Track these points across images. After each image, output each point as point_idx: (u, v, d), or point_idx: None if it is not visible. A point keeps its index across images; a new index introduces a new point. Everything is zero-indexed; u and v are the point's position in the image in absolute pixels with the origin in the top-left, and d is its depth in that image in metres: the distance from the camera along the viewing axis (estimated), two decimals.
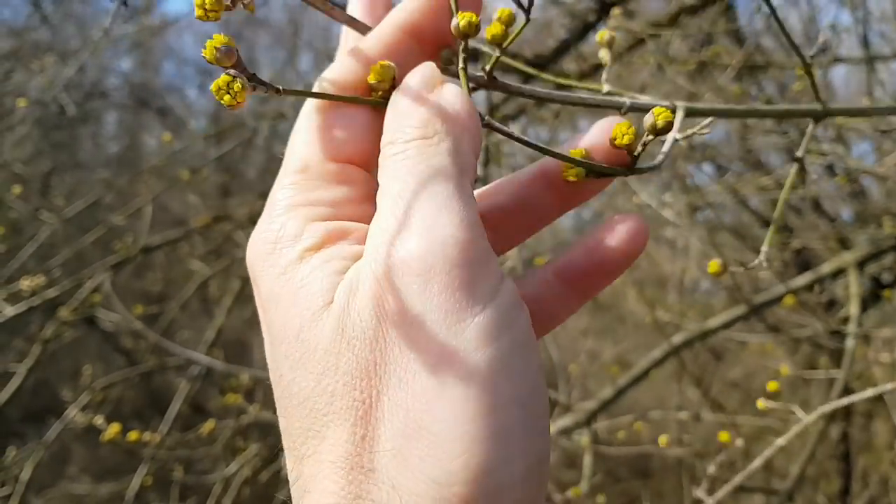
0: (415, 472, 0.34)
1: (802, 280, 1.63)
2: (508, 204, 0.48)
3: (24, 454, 1.96)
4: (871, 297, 2.66)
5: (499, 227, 0.47)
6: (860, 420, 3.07)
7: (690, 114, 0.56)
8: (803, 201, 3.04)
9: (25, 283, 1.77)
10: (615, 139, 0.45)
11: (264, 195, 0.46)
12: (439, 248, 0.36)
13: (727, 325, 1.63)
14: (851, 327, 1.61)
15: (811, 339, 2.57)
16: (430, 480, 0.34)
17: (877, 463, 3.09)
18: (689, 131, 0.52)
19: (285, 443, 0.40)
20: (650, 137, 0.46)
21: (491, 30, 0.47)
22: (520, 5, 0.47)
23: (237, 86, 0.37)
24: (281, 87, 0.41)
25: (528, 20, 0.47)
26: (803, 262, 2.91)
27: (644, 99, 0.56)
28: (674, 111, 0.55)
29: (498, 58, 0.48)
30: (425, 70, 0.43)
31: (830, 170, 2.87)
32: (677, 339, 1.61)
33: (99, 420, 1.79)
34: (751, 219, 3.59)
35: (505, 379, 0.36)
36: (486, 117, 0.45)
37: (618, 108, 0.54)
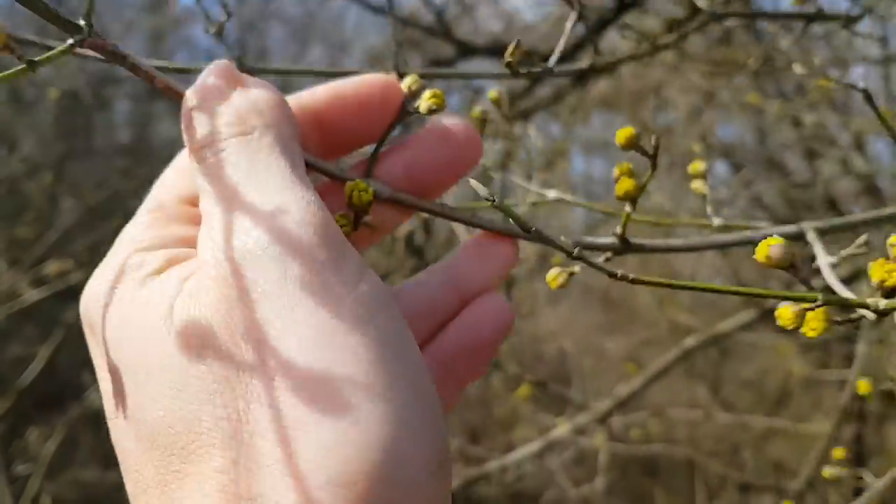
0: (306, 480, 0.29)
1: (843, 252, 1.62)
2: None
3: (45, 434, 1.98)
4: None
5: None
6: (874, 422, 3.07)
7: (824, 233, 0.51)
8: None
9: (53, 268, 1.78)
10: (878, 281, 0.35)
11: None
12: (291, 230, 0.33)
13: (739, 329, 1.63)
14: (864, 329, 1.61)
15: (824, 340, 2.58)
16: (327, 484, 0.29)
17: (890, 465, 3.09)
18: (844, 253, 0.46)
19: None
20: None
21: (622, 186, 0.45)
22: (644, 153, 0.46)
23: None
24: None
25: (654, 167, 0.46)
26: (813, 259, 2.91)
27: (765, 228, 0.52)
28: (802, 237, 0.51)
29: (629, 215, 0.47)
30: (222, 67, 0.40)
31: (845, 166, 2.88)
32: (689, 342, 1.62)
33: None
34: (764, 216, 3.59)
35: (393, 357, 0.32)
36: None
37: (743, 244, 0.50)
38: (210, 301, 0.32)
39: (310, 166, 0.42)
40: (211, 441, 0.31)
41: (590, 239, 0.49)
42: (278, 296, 0.31)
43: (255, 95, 0.38)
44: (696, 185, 0.59)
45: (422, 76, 0.46)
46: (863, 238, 0.46)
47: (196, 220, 0.38)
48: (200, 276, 0.34)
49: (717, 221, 0.55)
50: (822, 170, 2.88)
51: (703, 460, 2.77)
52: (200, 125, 0.37)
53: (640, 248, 0.49)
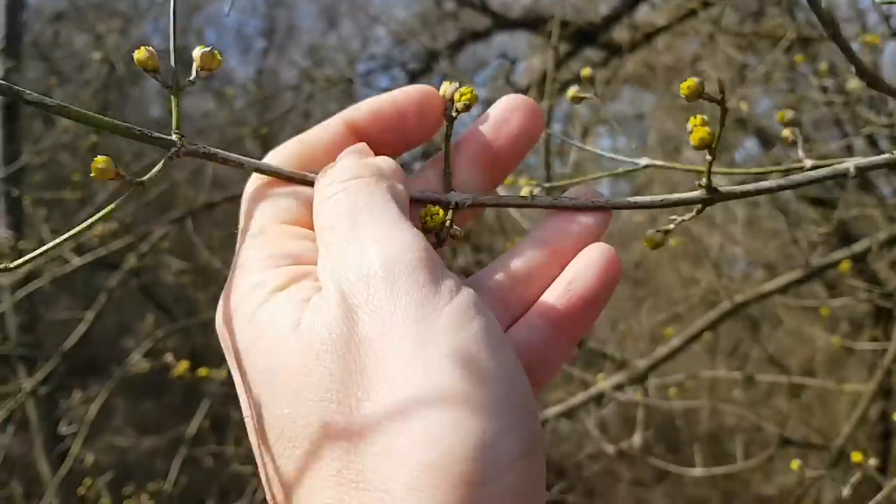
0: (408, 464, 0.33)
1: (860, 246, 1.64)
2: None
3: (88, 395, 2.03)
4: None
5: None
6: None
7: None
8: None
9: (97, 230, 1.82)
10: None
11: None
12: (398, 256, 0.38)
13: (784, 289, 1.64)
14: None
15: (869, 300, 2.55)
16: (426, 467, 0.33)
17: None
18: None
19: (270, 496, 0.40)
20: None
21: (696, 135, 0.46)
22: (711, 99, 0.46)
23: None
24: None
25: (724, 111, 0.46)
26: (845, 235, 2.91)
27: (851, 161, 0.49)
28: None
29: (711, 162, 0.47)
30: (358, 145, 0.47)
31: (873, 143, 2.87)
32: (739, 298, 1.63)
33: (169, 357, 1.85)
34: (790, 194, 3.57)
35: (486, 356, 0.36)
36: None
37: (833, 178, 0.50)
38: (332, 315, 0.37)
39: (413, 201, 0.47)
40: (327, 433, 0.36)
41: (678, 195, 0.48)
42: (389, 311, 0.37)
43: (376, 160, 0.45)
44: (786, 132, 0.59)
45: None
46: None
47: (298, 236, 0.45)
48: (324, 294, 0.39)
49: (808, 163, 0.54)
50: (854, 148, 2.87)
51: (745, 414, 2.76)
52: (325, 179, 0.44)
53: (731, 196, 0.48)
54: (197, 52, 0.44)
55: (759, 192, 0.48)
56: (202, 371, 1.76)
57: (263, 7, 5.83)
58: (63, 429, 2.13)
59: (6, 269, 0.40)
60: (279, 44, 5.84)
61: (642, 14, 2.56)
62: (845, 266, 1.62)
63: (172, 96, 0.44)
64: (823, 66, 1.77)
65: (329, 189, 0.43)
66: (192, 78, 0.45)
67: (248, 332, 0.41)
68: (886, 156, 0.49)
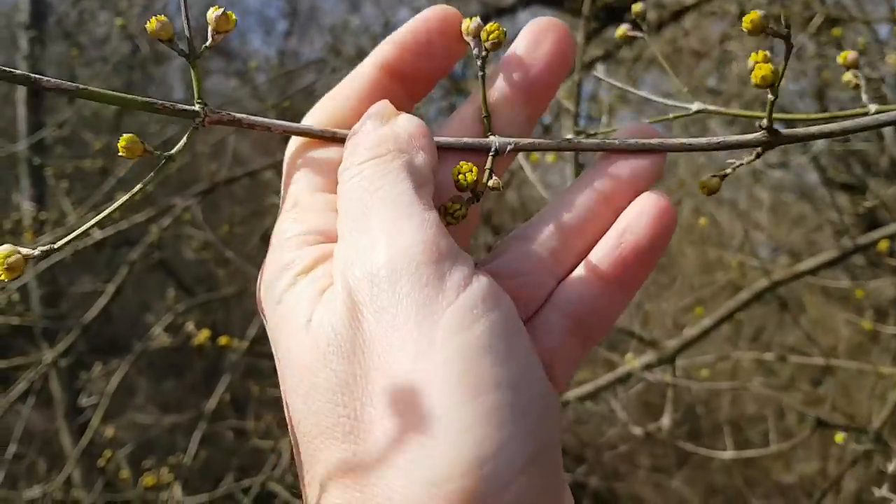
0: (408, 477, 0.33)
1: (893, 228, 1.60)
2: None
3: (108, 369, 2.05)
4: None
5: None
6: None
7: None
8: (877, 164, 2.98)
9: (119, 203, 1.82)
10: None
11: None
12: (403, 252, 0.37)
13: (819, 268, 1.61)
14: None
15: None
16: (425, 483, 0.33)
17: None
18: None
19: (299, 474, 0.40)
20: None
21: (759, 72, 0.43)
22: (776, 34, 0.44)
23: None
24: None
25: (789, 48, 0.44)
26: (872, 220, 2.87)
27: None
28: None
29: (773, 102, 0.44)
30: (379, 105, 0.44)
31: None
32: (776, 276, 1.59)
33: (189, 326, 1.85)
34: (816, 179, 3.53)
35: (488, 362, 0.35)
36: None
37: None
38: (338, 315, 0.37)
39: (441, 147, 0.45)
40: (334, 435, 0.36)
41: (736, 137, 0.46)
42: (391, 313, 0.36)
43: (397, 126, 0.43)
44: (848, 76, 0.56)
45: None
46: None
47: (332, 207, 0.43)
48: (334, 291, 0.38)
49: (873, 108, 0.50)
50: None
51: (777, 396, 2.73)
52: (347, 155, 0.43)
53: (793, 138, 0.45)
54: (210, 14, 0.43)
55: (822, 135, 0.45)
56: (223, 340, 1.76)
57: None
58: (83, 401, 2.15)
59: (52, 251, 0.39)
60: (302, 25, 5.84)
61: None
62: (884, 245, 1.58)
63: (191, 65, 0.43)
64: (861, 40, 1.72)
65: (346, 173, 0.42)
66: (208, 44, 0.44)
67: (276, 315, 0.40)
68: None
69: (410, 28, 0.47)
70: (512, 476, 0.33)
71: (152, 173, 0.42)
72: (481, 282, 0.37)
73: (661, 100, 0.60)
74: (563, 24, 0.47)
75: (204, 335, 1.76)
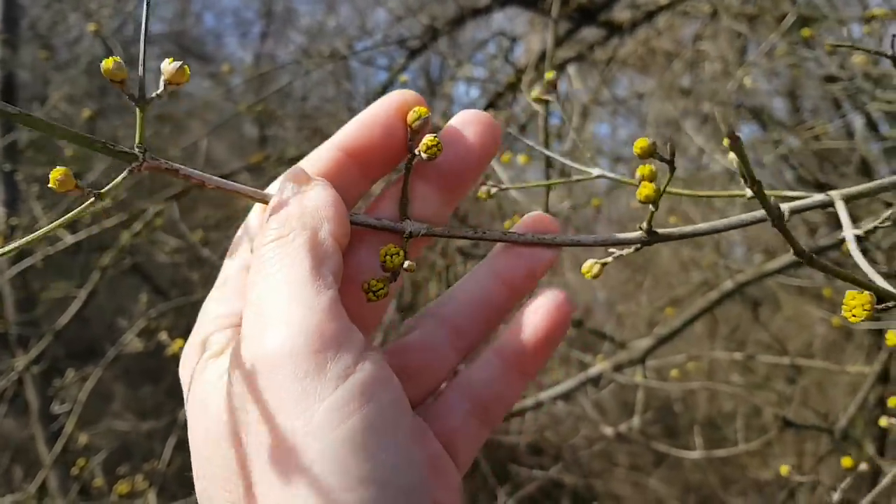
0: None
1: (868, 225, 1.61)
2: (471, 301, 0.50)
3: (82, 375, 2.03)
4: None
5: (461, 328, 0.50)
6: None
7: (851, 200, 0.53)
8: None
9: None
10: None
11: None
12: (287, 341, 0.37)
13: (785, 268, 1.62)
14: None
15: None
16: None
17: None
18: (870, 225, 0.50)
19: None
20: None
21: (643, 191, 0.48)
22: (662, 159, 0.48)
23: None
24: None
25: (673, 170, 0.48)
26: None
27: (795, 196, 0.53)
28: (830, 205, 0.53)
29: (653, 213, 0.49)
30: (293, 171, 0.45)
31: (872, 125, 2.86)
32: (740, 277, 1.61)
33: (163, 336, 1.84)
34: (793, 177, 3.56)
35: (357, 459, 0.35)
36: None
37: (764, 221, 0.50)
38: (224, 399, 0.39)
39: (355, 224, 0.47)
40: None
41: (620, 235, 0.51)
42: (272, 405, 0.37)
43: (306, 199, 0.43)
44: (732, 156, 0.59)
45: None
46: (888, 213, 0.51)
47: None
48: (230, 376, 0.39)
49: (749, 194, 0.52)
50: (854, 127, 2.85)
51: (744, 398, 2.75)
52: (259, 231, 0.44)
53: (668, 237, 0.51)
54: (165, 66, 0.43)
55: (695, 234, 0.51)
56: None
57: None
58: (56, 408, 2.12)
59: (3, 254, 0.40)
60: (277, 28, 5.82)
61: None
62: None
63: (138, 109, 0.43)
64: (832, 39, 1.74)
65: (255, 253, 0.43)
66: (159, 92, 0.44)
67: (192, 390, 0.42)
68: (817, 197, 0.52)
69: (371, 112, 0.48)
70: None
71: (77, 209, 0.42)
72: (364, 370, 0.38)
73: (568, 162, 0.66)
74: (488, 117, 0.50)
75: (178, 345, 1.74)
